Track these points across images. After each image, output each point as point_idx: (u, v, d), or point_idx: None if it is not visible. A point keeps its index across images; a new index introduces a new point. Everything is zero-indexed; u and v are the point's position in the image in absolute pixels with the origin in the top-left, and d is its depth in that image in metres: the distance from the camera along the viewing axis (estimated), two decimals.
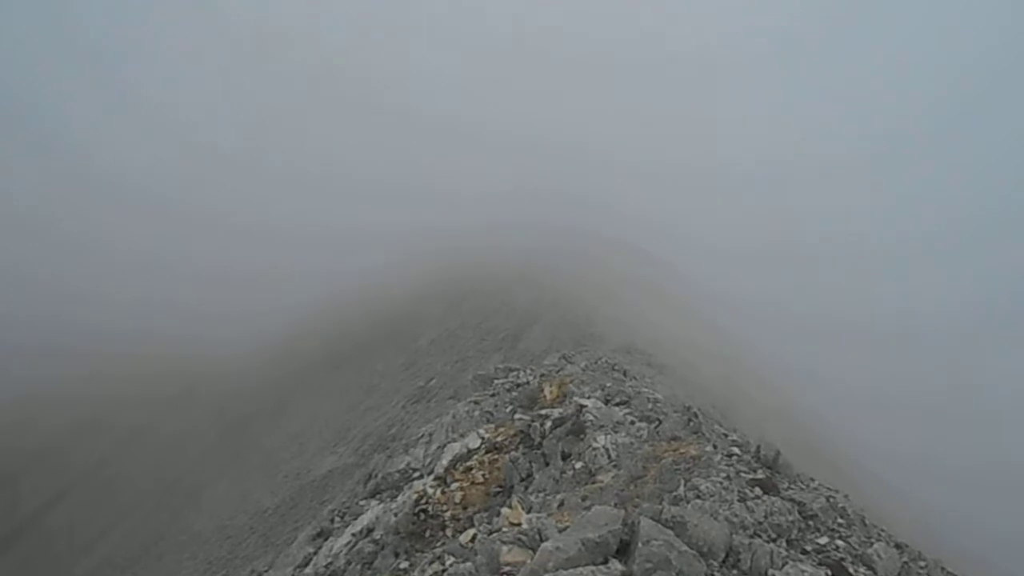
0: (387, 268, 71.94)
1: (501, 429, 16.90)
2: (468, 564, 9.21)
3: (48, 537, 54.10)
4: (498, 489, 14.71)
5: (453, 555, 10.76)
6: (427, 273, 65.93)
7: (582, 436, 14.40)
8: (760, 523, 9.50)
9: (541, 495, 12.94)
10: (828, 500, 10.84)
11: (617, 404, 16.52)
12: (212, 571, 33.79)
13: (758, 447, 12.77)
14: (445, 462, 16.27)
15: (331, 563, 15.93)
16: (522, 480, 14.49)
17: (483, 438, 16.66)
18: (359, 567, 14.62)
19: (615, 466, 12.67)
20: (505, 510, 11.22)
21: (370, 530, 15.92)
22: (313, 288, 76.82)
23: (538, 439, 15.43)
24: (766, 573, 8.29)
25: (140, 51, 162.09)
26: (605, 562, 7.74)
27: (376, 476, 20.05)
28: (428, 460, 18.42)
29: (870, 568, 9.45)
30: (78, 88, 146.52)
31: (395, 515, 15.14)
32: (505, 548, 8.53)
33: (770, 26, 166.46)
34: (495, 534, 9.54)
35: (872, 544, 9.95)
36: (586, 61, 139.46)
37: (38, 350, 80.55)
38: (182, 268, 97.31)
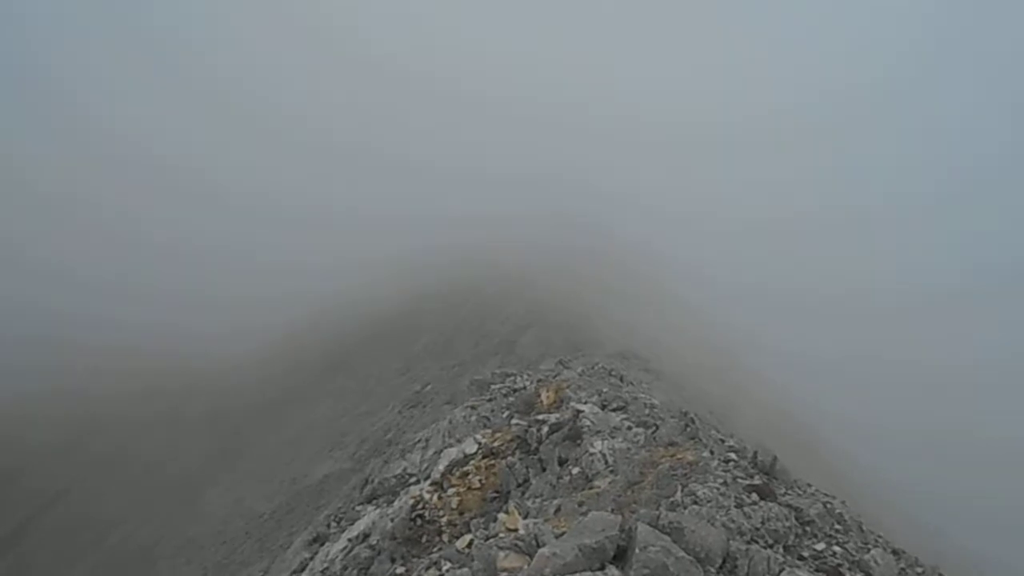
0: (384, 273, 71.83)
1: (498, 434, 16.88)
2: (465, 570, 9.19)
3: (44, 541, 53.82)
4: (495, 494, 14.69)
5: (450, 560, 10.73)
6: (423, 279, 65.91)
7: (579, 441, 14.38)
8: (757, 529, 9.49)
9: (538, 500, 12.92)
10: (825, 506, 10.82)
11: (614, 409, 16.50)
12: None
13: (755, 452, 12.74)
14: (442, 467, 16.23)
15: (327, 568, 15.89)
16: (519, 485, 14.47)
17: (480, 443, 16.64)
18: (355, 572, 14.58)
19: (612, 472, 12.65)
20: (502, 515, 11.18)
21: (366, 535, 15.87)
22: (309, 291, 76.65)
23: (535, 444, 15.41)
24: None
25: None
26: (602, 568, 7.72)
27: (372, 481, 20.01)
28: (425, 465, 18.39)
29: (867, 574, 9.44)
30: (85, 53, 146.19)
31: (391, 520, 15.10)
32: (502, 554, 8.50)
33: None
34: (492, 540, 9.50)
35: (869, 550, 9.93)
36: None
37: (38, 343, 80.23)
38: (191, 256, 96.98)
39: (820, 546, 9.79)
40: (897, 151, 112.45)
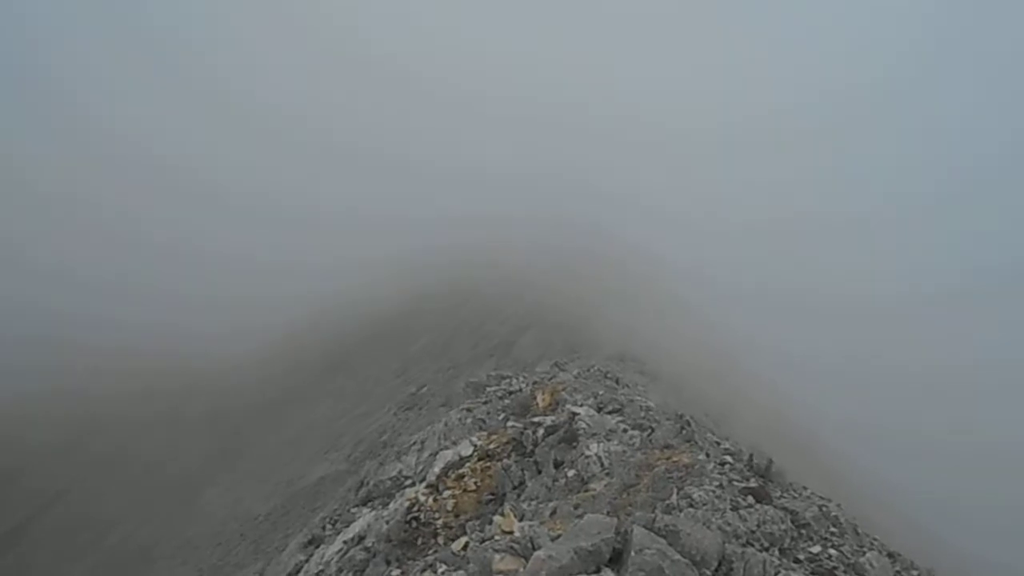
0: (383, 274, 71.80)
1: (493, 437, 16.86)
2: (460, 572, 9.19)
3: (44, 540, 53.70)
4: (490, 497, 14.66)
5: (445, 563, 10.73)
6: (423, 280, 65.89)
7: (575, 444, 14.38)
8: (753, 532, 9.49)
9: (533, 503, 12.91)
10: (821, 509, 10.83)
11: (610, 412, 16.51)
12: None
13: (751, 456, 12.76)
14: (437, 469, 16.21)
15: (322, 571, 15.85)
16: (514, 488, 14.45)
17: (475, 445, 16.62)
18: (351, 575, 14.55)
19: (608, 474, 12.65)
20: (497, 518, 11.18)
21: (362, 538, 15.83)
22: (308, 291, 76.60)
23: (530, 447, 15.40)
24: None
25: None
26: (598, 571, 7.71)
27: (368, 483, 19.97)
28: (420, 467, 18.37)
29: None
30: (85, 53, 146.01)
31: (387, 523, 15.07)
32: (497, 556, 8.49)
33: None
34: (487, 542, 9.50)
35: (865, 553, 9.94)
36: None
37: (38, 343, 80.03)
38: (190, 256, 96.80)
39: (816, 549, 9.81)
40: (897, 151, 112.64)
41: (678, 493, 10.40)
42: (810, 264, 74.41)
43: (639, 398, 18.62)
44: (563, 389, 18.77)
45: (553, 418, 16.24)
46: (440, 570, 10.56)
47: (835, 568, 9.36)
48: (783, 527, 9.77)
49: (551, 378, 21.89)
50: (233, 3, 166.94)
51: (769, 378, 48.19)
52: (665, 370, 33.94)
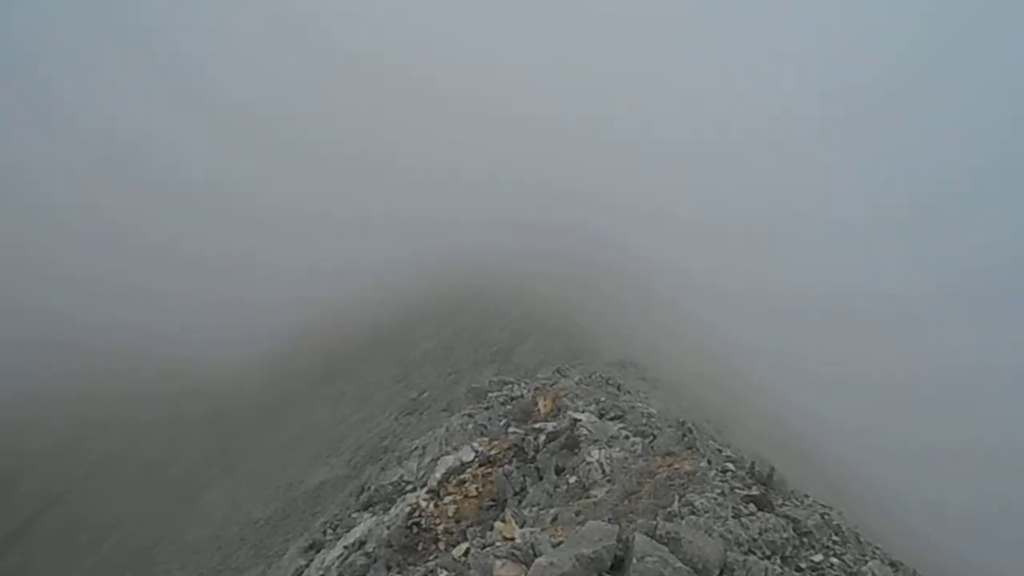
0: (384, 279, 71.82)
1: (495, 442, 16.86)
2: None
3: (44, 543, 53.73)
4: (491, 503, 14.66)
5: (446, 569, 10.70)
6: (422, 285, 65.91)
7: (576, 450, 14.38)
8: (755, 540, 9.48)
9: (535, 509, 12.90)
10: (823, 517, 10.80)
11: (611, 419, 16.50)
12: None
13: (752, 463, 12.73)
14: (438, 475, 16.21)
15: None
16: (516, 494, 14.45)
17: (477, 451, 16.61)
18: None
19: (609, 481, 12.65)
20: (499, 524, 11.16)
21: (362, 543, 15.82)
22: (308, 296, 76.57)
23: (532, 453, 15.40)
24: None
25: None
26: None
27: (369, 488, 19.95)
28: (421, 473, 18.35)
29: None
30: (95, 65, 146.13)
31: (388, 528, 15.07)
32: (499, 563, 8.48)
33: None
34: (488, 548, 9.47)
35: (867, 562, 9.91)
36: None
37: (38, 346, 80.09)
38: (191, 260, 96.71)
39: (818, 557, 9.78)
40: (897, 154, 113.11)
41: (680, 500, 10.39)
42: (811, 268, 74.61)
43: (641, 405, 18.61)
44: (565, 395, 18.77)
45: (555, 424, 16.25)
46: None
47: None
48: (785, 535, 9.75)
49: (553, 384, 21.86)
50: (236, 10, 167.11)
51: (769, 384, 48.26)
52: (666, 377, 33.95)
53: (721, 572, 8.31)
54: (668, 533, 8.36)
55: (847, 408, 53.21)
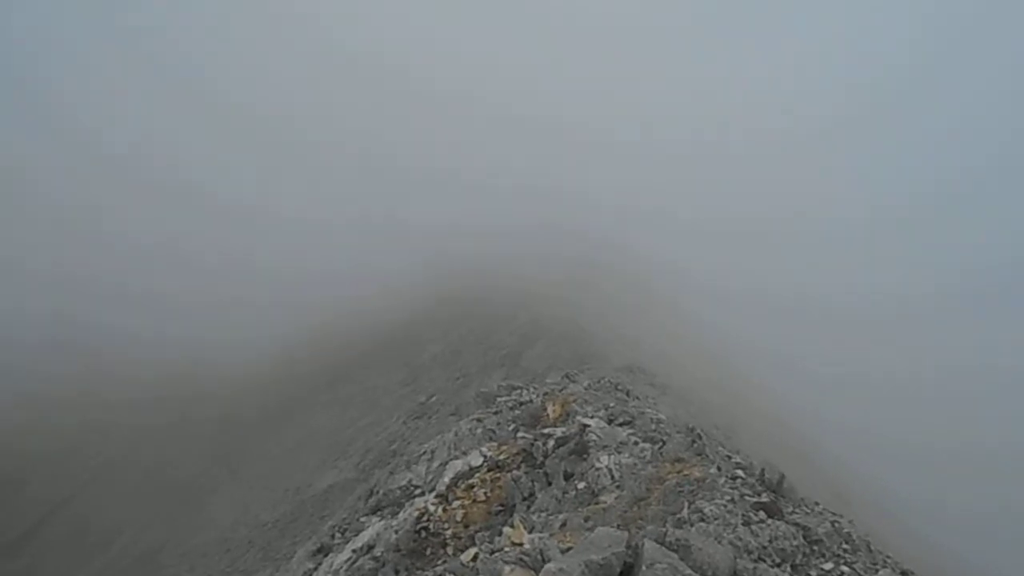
0: (392, 284, 71.93)
1: (503, 447, 16.84)
2: None
3: (51, 546, 53.94)
4: (500, 508, 14.64)
5: (454, 574, 10.70)
6: (430, 290, 66.00)
7: (585, 456, 14.36)
8: (764, 547, 9.44)
9: (543, 515, 12.88)
10: (833, 525, 10.75)
11: (620, 424, 16.46)
12: None
13: (762, 470, 12.67)
14: (447, 479, 16.19)
15: None
16: (524, 499, 14.42)
17: (485, 456, 16.60)
18: None
19: (618, 487, 12.62)
20: (507, 529, 11.14)
21: (371, 547, 15.82)
22: (316, 300, 76.69)
23: (541, 458, 15.38)
24: None
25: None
26: None
27: (378, 492, 19.97)
28: (430, 477, 18.35)
29: None
30: (94, 65, 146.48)
31: (396, 532, 15.07)
32: (507, 568, 8.47)
33: None
34: (497, 554, 9.46)
35: (877, 571, 9.86)
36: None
37: (44, 349, 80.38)
38: (196, 264, 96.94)
39: (828, 566, 9.73)
40: (897, 154, 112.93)
41: (689, 507, 10.36)
42: (812, 268, 74.44)
43: (650, 410, 18.56)
44: (574, 401, 18.75)
45: (563, 429, 16.22)
46: None
47: None
48: (795, 543, 9.71)
49: (562, 389, 21.83)
50: (235, 9, 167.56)
51: (769, 384, 48.19)
52: (674, 382, 33.90)
53: None
54: (678, 540, 8.34)
55: (847, 408, 53.00)
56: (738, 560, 8.55)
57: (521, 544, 9.62)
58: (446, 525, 14.42)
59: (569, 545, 9.02)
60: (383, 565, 14.44)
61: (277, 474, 45.24)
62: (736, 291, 60.80)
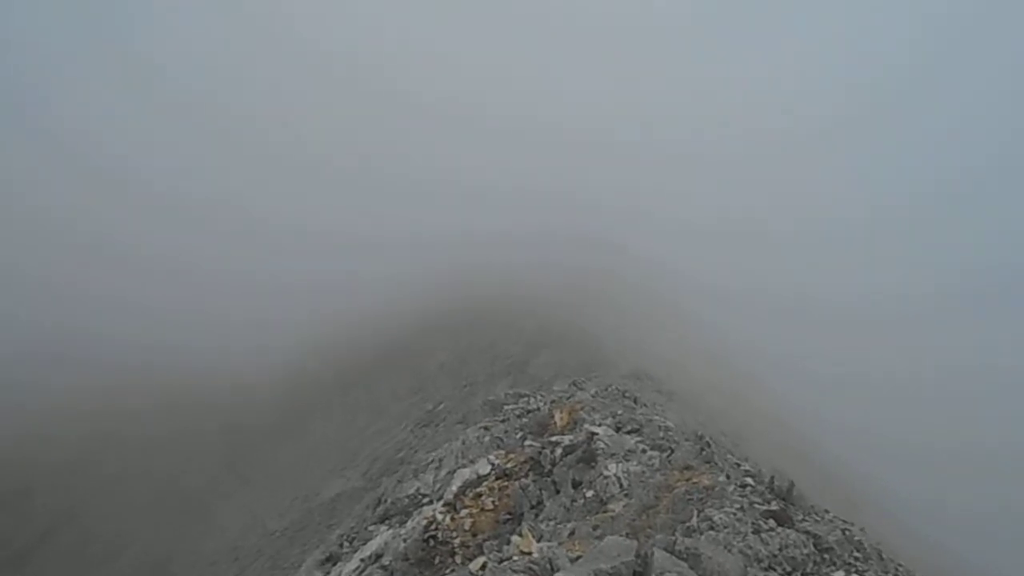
0: (398, 293, 71.96)
1: (511, 456, 16.80)
2: None
3: (58, 557, 54.00)
4: (508, 516, 14.59)
5: None
6: (438, 298, 66.02)
7: (593, 464, 14.31)
8: (775, 556, 9.39)
9: (552, 523, 12.84)
10: (844, 533, 10.68)
11: (628, 432, 16.41)
12: None
13: (772, 478, 12.61)
14: (455, 488, 16.17)
15: None
16: (532, 507, 14.37)
17: (493, 464, 16.57)
18: None
19: (627, 495, 12.57)
20: (515, 538, 11.10)
21: (379, 556, 15.79)
22: (323, 310, 76.77)
23: (548, 466, 15.33)
24: None
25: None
26: None
27: (386, 501, 19.95)
28: (438, 485, 18.33)
29: None
30: (87, 76, 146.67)
31: (404, 541, 15.03)
32: None
33: None
34: (506, 562, 9.44)
35: None
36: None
37: (51, 360, 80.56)
38: (205, 275, 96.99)
39: (839, 574, 9.66)
40: (897, 154, 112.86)
41: (698, 515, 10.32)
42: (812, 268, 74.29)
43: (657, 418, 18.50)
44: (581, 408, 18.71)
45: (571, 437, 16.18)
46: None
47: None
48: (806, 551, 9.65)
49: (569, 397, 21.80)
50: (235, 23, 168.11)
51: (769, 384, 48.07)
52: (681, 389, 33.78)
53: None
54: (687, 548, 8.30)
55: (847, 408, 52.79)
56: (748, 569, 8.51)
57: (530, 553, 9.59)
58: (454, 534, 14.38)
59: (578, 554, 8.99)
60: (391, 574, 14.41)
61: (285, 483, 45.25)
62: (736, 291, 60.71)
